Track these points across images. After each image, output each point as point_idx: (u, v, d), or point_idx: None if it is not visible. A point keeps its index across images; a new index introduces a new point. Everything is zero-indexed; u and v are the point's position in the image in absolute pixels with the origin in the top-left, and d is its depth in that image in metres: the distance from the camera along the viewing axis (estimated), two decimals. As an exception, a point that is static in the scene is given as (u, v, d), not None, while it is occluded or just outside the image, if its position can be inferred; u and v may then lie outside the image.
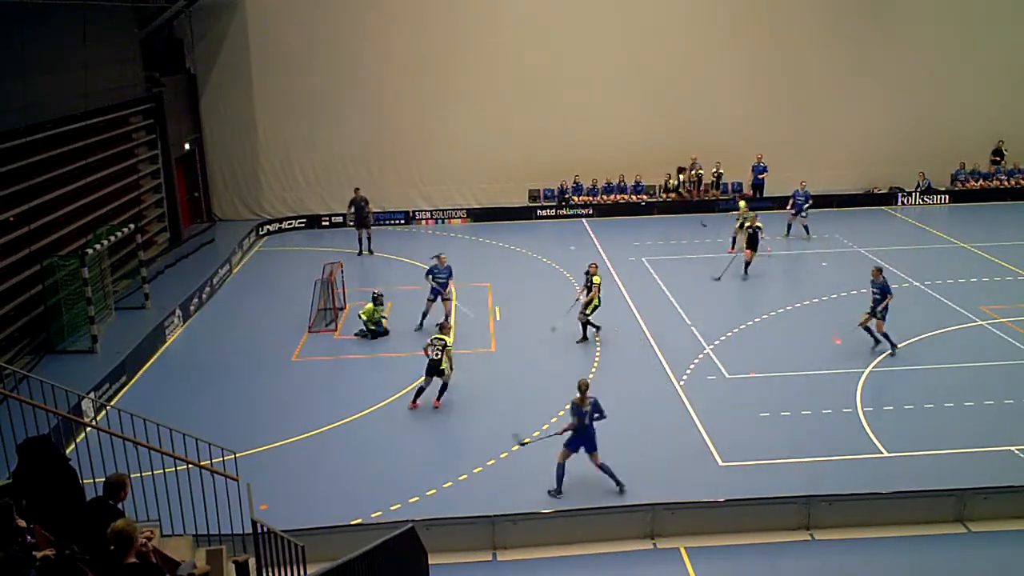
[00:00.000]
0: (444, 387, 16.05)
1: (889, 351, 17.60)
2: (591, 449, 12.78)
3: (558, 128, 29.71)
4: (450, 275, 19.81)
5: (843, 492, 12.22)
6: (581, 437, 12.69)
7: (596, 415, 12.70)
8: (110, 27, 22.80)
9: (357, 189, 26.98)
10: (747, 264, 22.62)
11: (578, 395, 12.62)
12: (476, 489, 13.09)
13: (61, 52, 19.64)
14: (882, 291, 17.55)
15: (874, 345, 17.80)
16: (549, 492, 12.79)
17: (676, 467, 13.67)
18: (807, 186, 26.94)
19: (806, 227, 26.57)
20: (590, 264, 19.30)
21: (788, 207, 26.92)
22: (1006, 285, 22.09)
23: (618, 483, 12.83)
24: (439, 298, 19.76)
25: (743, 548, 11.59)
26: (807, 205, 26.51)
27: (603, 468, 12.83)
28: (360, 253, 26.46)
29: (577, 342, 18.87)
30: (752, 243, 22.54)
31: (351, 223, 27.09)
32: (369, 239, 26.71)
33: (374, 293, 20.12)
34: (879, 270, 18.02)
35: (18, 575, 5.82)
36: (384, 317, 20.00)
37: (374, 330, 19.66)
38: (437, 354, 15.61)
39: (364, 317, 19.73)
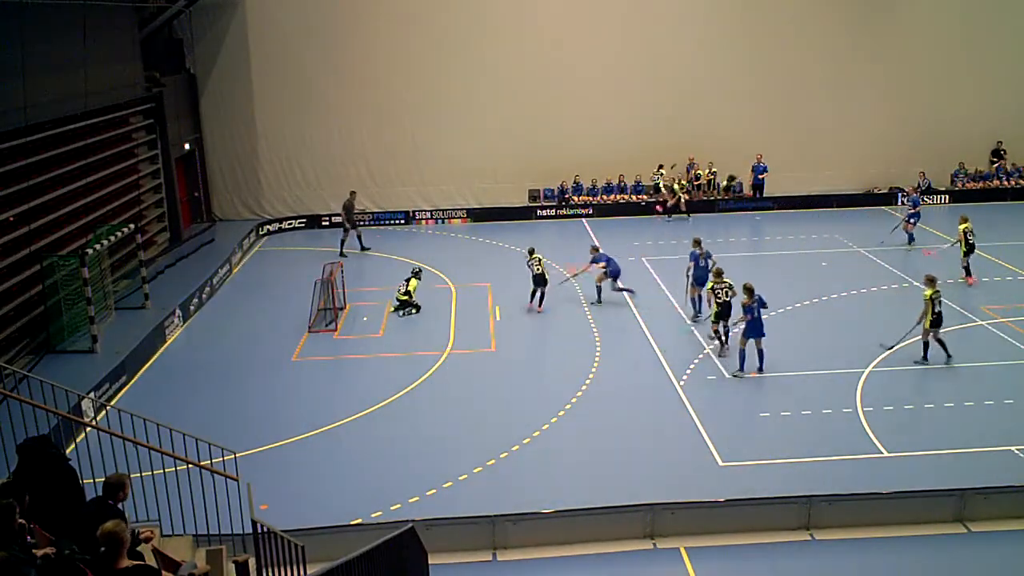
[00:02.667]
0: (542, 295, 20.76)
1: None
2: (760, 335, 16.70)
3: (558, 128, 29.72)
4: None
5: (843, 492, 12.22)
6: (756, 327, 16.72)
7: (761, 308, 16.71)
8: (110, 27, 22.79)
9: (353, 192, 27.05)
10: (942, 345, 17.25)
11: (745, 297, 16.65)
12: (476, 489, 13.10)
13: (61, 52, 19.65)
14: (691, 258, 19.80)
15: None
16: (733, 374, 16.77)
17: (676, 467, 13.67)
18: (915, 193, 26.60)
19: (910, 235, 25.75)
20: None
21: (906, 216, 25.91)
22: (1006, 285, 22.08)
23: (761, 368, 16.73)
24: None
25: (743, 548, 11.59)
26: (915, 210, 25.91)
27: (760, 353, 16.76)
28: (342, 253, 26.21)
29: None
30: (937, 322, 17.21)
31: (347, 224, 26.96)
32: (343, 242, 26.61)
33: (415, 268, 21.53)
34: (697, 241, 20.21)
35: (18, 575, 5.81)
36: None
37: (415, 303, 21.08)
38: (538, 268, 20.56)
39: (409, 295, 20.93)
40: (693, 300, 20.05)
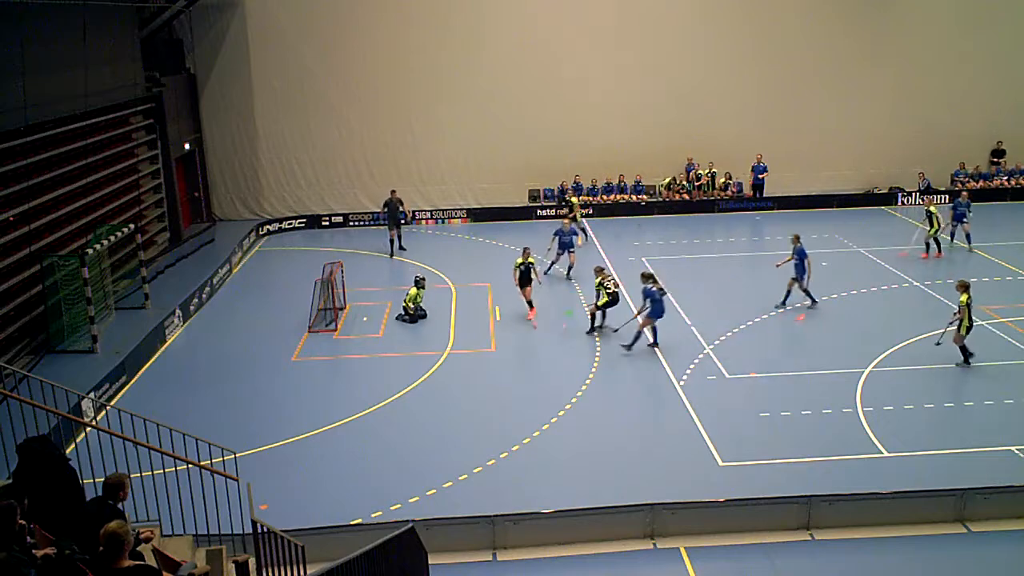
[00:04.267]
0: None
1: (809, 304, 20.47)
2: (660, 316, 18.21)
3: (558, 128, 29.73)
4: None
5: (843, 492, 12.23)
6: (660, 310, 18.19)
7: (662, 294, 18.26)
8: (110, 27, 22.80)
9: (393, 191, 26.75)
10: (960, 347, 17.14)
11: (652, 284, 18.20)
12: (476, 489, 13.10)
13: (61, 52, 19.65)
14: (800, 256, 20.23)
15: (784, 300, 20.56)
16: (623, 345, 18.09)
17: (676, 467, 13.67)
18: (968, 197, 25.59)
19: (968, 235, 24.96)
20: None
21: (949, 217, 25.30)
22: (1006, 285, 22.09)
23: (656, 343, 18.23)
24: None
25: (743, 548, 11.60)
26: (970, 214, 25.05)
27: (655, 330, 18.22)
28: (392, 255, 26.08)
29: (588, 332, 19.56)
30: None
31: (384, 222, 27.06)
32: (400, 237, 26.60)
33: (416, 277, 21.06)
34: (797, 236, 20.65)
35: (18, 575, 5.81)
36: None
37: (414, 314, 20.47)
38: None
39: (408, 303, 20.53)
40: (806, 291, 20.49)
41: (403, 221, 26.97)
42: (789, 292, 20.56)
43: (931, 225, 24.36)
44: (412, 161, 30.25)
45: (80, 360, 17.31)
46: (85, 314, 17.84)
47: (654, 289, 18.24)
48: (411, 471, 13.69)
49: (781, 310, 20.45)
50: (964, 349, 16.98)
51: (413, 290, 20.73)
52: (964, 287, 17.05)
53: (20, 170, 17.94)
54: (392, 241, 26.40)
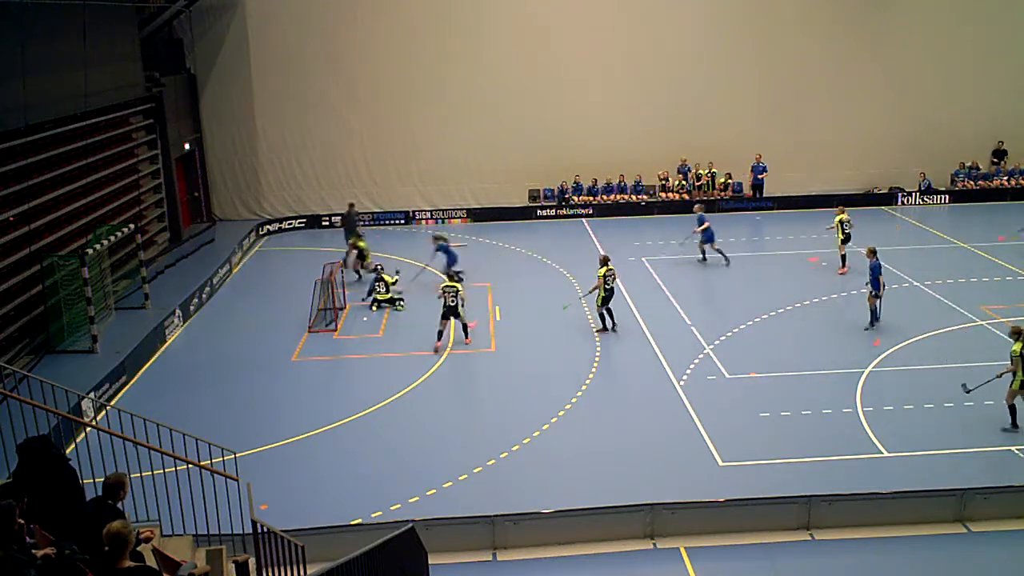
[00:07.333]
0: (464, 327, 18.95)
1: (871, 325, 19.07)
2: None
3: (558, 128, 29.72)
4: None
5: (843, 492, 12.22)
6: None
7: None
8: (110, 27, 22.79)
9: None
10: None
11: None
12: (476, 489, 13.10)
13: (61, 52, 19.65)
14: (873, 271, 18.85)
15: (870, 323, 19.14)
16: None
17: (676, 467, 13.68)
18: None
19: None
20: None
21: None
22: (1006, 285, 22.08)
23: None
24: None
25: (743, 548, 11.60)
26: None
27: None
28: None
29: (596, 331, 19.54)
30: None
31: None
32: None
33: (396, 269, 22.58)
34: (873, 250, 19.26)
35: (18, 575, 5.81)
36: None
37: (386, 296, 21.45)
38: (453, 300, 18.40)
39: (390, 283, 21.51)
40: (873, 309, 19.19)
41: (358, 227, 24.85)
42: (873, 310, 19.10)
43: (840, 234, 22.81)
44: (412, 161, 30.26)
45: (80, 360, 17.31)
46: (85, 314, 17.84)
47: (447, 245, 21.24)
48: (411, 471, 13.69)
49: (870, 329, 18.89)
50: (1013, 410, 14.39)
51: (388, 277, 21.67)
52: (1018, 333, 14.20)
53: (20, 170, 17.94)
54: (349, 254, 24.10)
